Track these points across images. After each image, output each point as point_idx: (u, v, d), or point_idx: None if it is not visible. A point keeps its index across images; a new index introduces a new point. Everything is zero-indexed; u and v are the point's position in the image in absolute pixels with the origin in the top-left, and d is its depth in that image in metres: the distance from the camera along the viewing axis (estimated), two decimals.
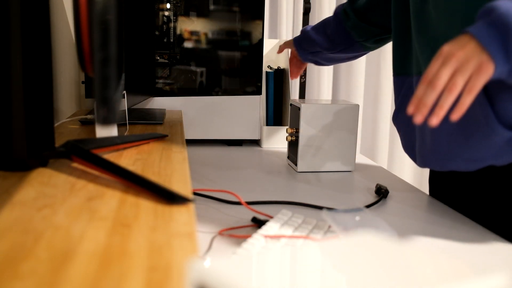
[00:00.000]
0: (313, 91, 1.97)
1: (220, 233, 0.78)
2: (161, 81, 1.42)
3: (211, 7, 1.41)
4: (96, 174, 0.65)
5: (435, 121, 0.71)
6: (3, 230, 0.45)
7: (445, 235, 0.83)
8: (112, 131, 0.60)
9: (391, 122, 2.05)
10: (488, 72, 0.69)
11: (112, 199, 0.55)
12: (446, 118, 0.87)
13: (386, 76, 1.99)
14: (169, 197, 0.56)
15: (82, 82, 1.46)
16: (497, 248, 0.78)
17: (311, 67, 1.95)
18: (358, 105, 1.19)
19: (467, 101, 0.70)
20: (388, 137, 2.05)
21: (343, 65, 2.00)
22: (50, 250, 0.41)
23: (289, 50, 1.48)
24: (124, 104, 0.95)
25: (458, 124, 0.86)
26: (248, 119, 1.48)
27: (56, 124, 1.08)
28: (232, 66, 1.45)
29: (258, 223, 0.81)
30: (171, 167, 0.72)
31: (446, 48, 0.72)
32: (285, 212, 0.83)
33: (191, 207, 0.55)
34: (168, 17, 1.39)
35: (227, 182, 1.09)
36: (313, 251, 0.42)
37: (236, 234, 0.78)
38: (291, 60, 1.43)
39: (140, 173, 0.68)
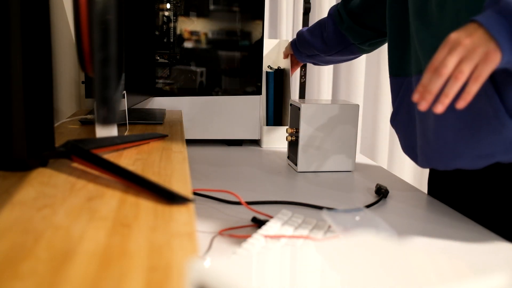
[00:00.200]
0: (313, 91, 1.98)
1: (220, 233, 0.78)
2: (161, 81, 1.42)
3: (211, 7, 1.41)
4: (96, 174, 0.65)
5: (440, 108, 0.71)
6: (3, 230, 0.45)
7: (445, 235, 0.83)
8: (112, 131, 0.60)
9: None
10: (495, 60, 0.69)
11: (112, 199, 0.55)
12: (452, 114, 0.87)
13: (386, 76, 1.99)
14: (169, 197, 0.56)
15: (82, 82, 1.46)
16: (497, 248, 0.78)
17: (311, 67, 1.95)
18: (358, 105, 1.19)
19: (473, 89, 0.69)
20: (388, 137, 2.05)
21: (343, 65, 2.00)
22: (50, 250, 0.41)
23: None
24: (124, 104, 0.95)
25: (465, 120, 0.85)
26: (248, 119, 1.48)
27: (56, 124, 1.08)
28: (232, 66, 1.45)
29: (258, 223, 0.81)
30: (171, 167, 0.72)
31: (453, 36, 0.71)
32: (285, 212, 0.83)
33: (191, 207, 0.55)
34: (168, 17, 1.39)
35: (227, 182, 1.09)
36: (313, 251, 0.42)
37: (236, 234, 0.78)
38: (291, 59, 1.45)
39: (140, 173, 0.68)
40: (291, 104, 1.23)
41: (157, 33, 1.39)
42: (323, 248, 0.42)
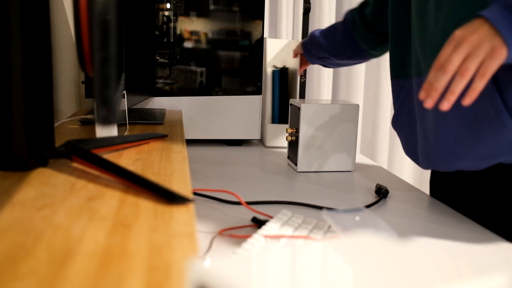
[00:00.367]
0: (313, 91, 1.97)
1: (220, 233, 0.78)
2: (161, 81, 1.42)
3: (211, 7, 1.41)
4: (96, 174, 0.65)
5: (445, 106, 0.70)
6: (3, 230, 0.45)
7: (446, 235, 0.83)
8: (112, 131, 0.60)
9: (391, 122, 2.05)
10: (501, 56, 0.68)
11: (112, 199, 0.55)
12: (452, 115, 0.86)
13: (386, 76, 1.99)
14: (169, 197, 0.56)
15: (82, 82, 1.46)
16: (497, 248, 0.78)
17: (311, 67, 1.95)
18: (358, 105, 1.19)
19: (479, 86, 0.69)
20: (388, 137, 2.05)
21: None
22: (50, 250, 0.41)
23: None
24: (124, 104, 0.95)
25: (465, 120, 0.84)
26: (248, 119, 1.48)
27: (56, 124, 1.07)
28: (232, 66, 1.45)
29: (258, 223, 0.81)
30: (171, 167, 0.72)
31: (458, 33, 0.70)
32: (285, 212, 0.83)
33: (191, 207, 0.55)
34: (168, 17, 1.39)
35: (227, 182, 1.09)
36: (313, 251, 0.42)
37: (236, 234, 0.78)
38: (300, 59, 1.44)
39: (140, 173, 0.68)
40: (291, 104, 1.23)
41: (157, 33, 1.39)
42: (323, 248, 0.42)
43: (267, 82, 1.50)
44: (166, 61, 1.41)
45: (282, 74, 1.53)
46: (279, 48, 1.55)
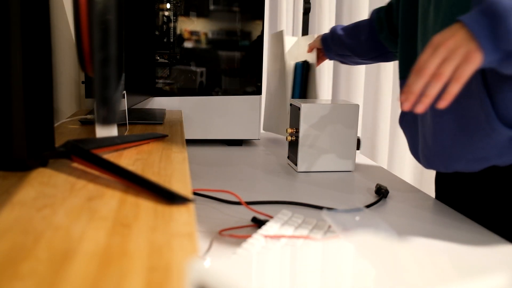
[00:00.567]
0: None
1: (220, 233, 0.78)
2: (161, 81, 1.42)
3: (211, 7, 1.41)
4: (96, 174, 0.65)
5: (420, 108, 0.72)
6: (3, 230, 0.45)
7: (446, 235, 0.83)
8: (112, 131, 0.60)
9: (391, 122, 2.05)
10: (475, 61, 0.69)
11: (112, 199, 0.55)
12: (448, 118, 0.87)
13: (386, 76, 1.99)
14: (169, 197, 0.56)
15: (82, 82, 1.46)
16: (497, 249, 0.78)
17: None
18: (358, 105, 1.19)
19: (454, 89, 0.70)
20: (388, 137, 2.05)
21: (343, 65, 2.00)
22: (50, 250, 0.41)
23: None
24: (124, 104, 0.95)
25: (460, 124, 0.86)
26: (248, 119, 1.48)
27: (56, 124, 1.08)
28: (232, 66, 1.45)
29: (258, 223, 0.81)
30: (171, 167, 0.72)
31: (437, 38, 0.72)
32: (285, 212, 0.83)
33: (191, 207, 0.55)
34: (168, 17, 1.39)
35: (227, 182, 1.09)
36: (313, 251, 0.42)
37: (236, 234, 0.78)
38: (317, 53, 1.38)
39: (140, 173, 0.68)
40: (291, 104, 1.23)
41: (157, 33, 1.39)
42: (323, 248, 0.42)
43: (287, 77, 1.46)
44: (166, 61, 1.41)
45: (305, 68, 1.49)
46: (290, 44, 1.53)
